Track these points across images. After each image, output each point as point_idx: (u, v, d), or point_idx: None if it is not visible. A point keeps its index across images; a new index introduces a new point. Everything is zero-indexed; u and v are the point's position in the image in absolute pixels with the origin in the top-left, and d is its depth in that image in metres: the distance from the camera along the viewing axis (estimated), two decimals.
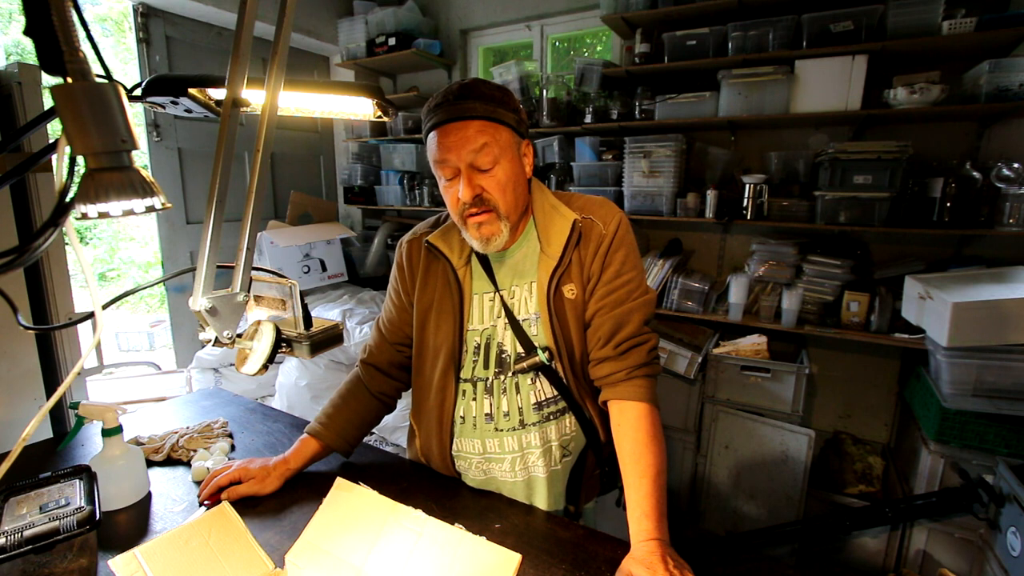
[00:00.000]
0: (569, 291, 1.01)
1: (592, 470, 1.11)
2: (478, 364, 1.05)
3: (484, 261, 1.05)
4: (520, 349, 1.02)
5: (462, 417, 1.07)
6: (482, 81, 0.96)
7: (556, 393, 1.04)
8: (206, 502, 1.01)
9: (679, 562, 0.82)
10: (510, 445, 1.04)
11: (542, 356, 0.99)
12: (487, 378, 1.04)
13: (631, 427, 0.95)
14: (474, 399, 1.05)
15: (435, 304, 1.07)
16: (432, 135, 0.95)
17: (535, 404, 1.03)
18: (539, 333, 1.02)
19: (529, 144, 1.01)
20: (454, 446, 1.09)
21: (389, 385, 1.18)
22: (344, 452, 1.15)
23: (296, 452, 1.10)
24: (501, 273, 1.05)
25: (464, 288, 1.04)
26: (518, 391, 1.03)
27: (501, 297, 1.03)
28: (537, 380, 1.03)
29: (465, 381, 1.06)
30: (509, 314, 1.02)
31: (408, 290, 1.12)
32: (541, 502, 1.07)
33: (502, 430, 1.04)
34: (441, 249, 1.05)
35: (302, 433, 1.13)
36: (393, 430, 2.59)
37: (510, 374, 1.03)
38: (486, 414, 1.04)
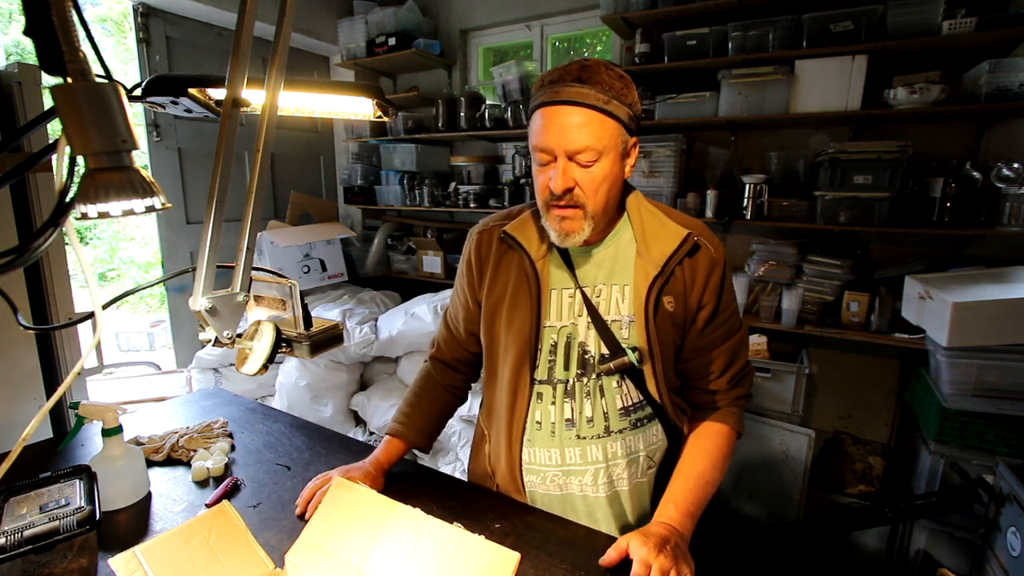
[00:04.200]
0: (668, 303, 0.95)
1: None
2: (556, 365, 0.98)
3: (565, 255, 0.99)
4: (605, 350, 0.96)
5: (538, 423, 1.00)
6: (606, 66, 0.88)
7: (643, 399, 0.98)
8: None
9: (682, 552, 0.82)
10: (594, 455, 0.97)
11: (631, 356, 0.93)
12: (568, 380, 0.97)
13: (706, 439, 0.98)
14: (553, 403, 0.98)
15: (508, 298, 1.00)
16: (537, 114, 0.89)
17: (621, 409, 0.97)
18: (631, 336, 0.96)
19: (637, 143, 0.95)
20: (525, 457, 1.02)
21: (458, 378, 1.18)
22: (425, 448, 1.14)
23: (386, 454, 1.09)
24: (583, 269, 0.99)
25: (542, 281, 0.97)
26: (603, 394, 0.97)
27: (583, 294, 0.97)
28: (623, 384, 0.97)
29: (542, 383, 0.99)
30: (593, 312, 0.96)
31: (475, 285, 1.06)
32: (625, 520, 1.02)
33: (585, 437, 0.97)
34: (519, 239, 0.99)
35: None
36: None
37: (594, 376, 0.97)
38: (566, 419, 0.98)
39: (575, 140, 0.85)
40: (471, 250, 1.07)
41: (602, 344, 0.96)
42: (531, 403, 1.00)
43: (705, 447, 0.98)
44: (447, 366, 1.17)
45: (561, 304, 0.99)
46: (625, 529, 1.02)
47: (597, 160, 0.88)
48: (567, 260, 0.99)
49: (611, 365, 0.94)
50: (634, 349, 0.94)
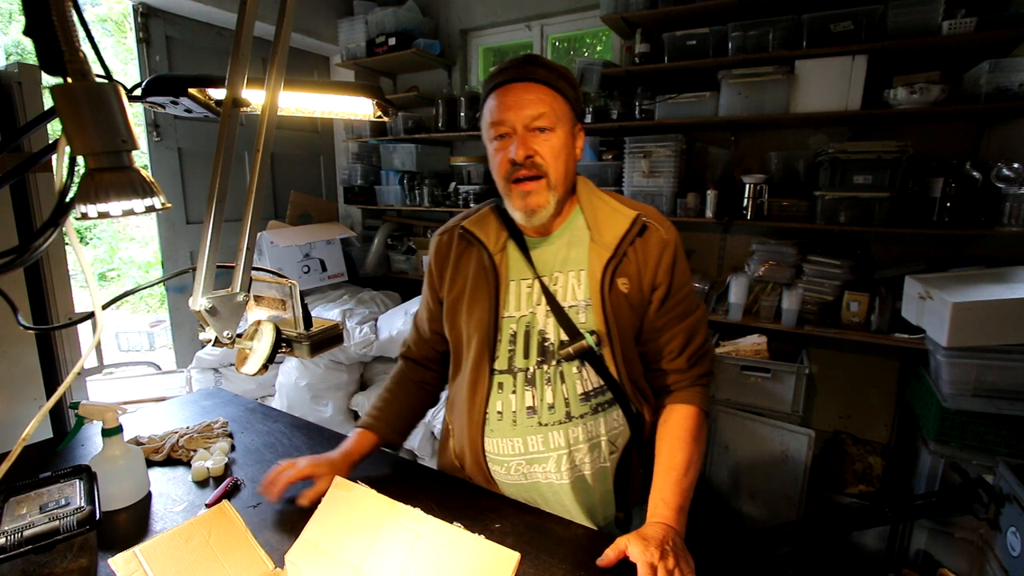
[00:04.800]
0: (623, 284, 0.98)
1: (636, 469, 1.06)
2: (516, 353, 1.00)
3: (522, 247, 1.02)
4: (564, 336, 0.97)
5: (499, 412, 1.01)
6: (545, 58, 0.98)
7: (603, 383, 0.99)
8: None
9: (681, 549, 0.83)
10: (556, 441, 0.98)
11: (589, 340, 0.95)
12: (528, 368, 0.99)
13: (675, 425, 0.98)
14: (514, 392, 1.00)
15: (468, 292, 1.03)
16: (492, 96, 0.95)
17: (582, 395, 0.98)
18: (587, 320, 0.98)
19: (581, 128, 1.00)
20: (488, 446, 1.03)
21: (430, 375, 1.20)
22: (396, 444, 1.15)
23: (357, 445, 1.09)
24: (540, 259, 1.01)
25: (500, 273, 1.00)
26: (563, 380, 0.98)
27: (542, 283, 0.99)
28: (583, 369, 0.99)
29: (502, 372, 1.01)
30: (551, 300, 0.98)
31: (435, 285, 1.10)
32: (589, 506, 1.03)
33: (547, 424, 0.98)
34: (476, 234, 1.02)
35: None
36: None
37: (554, 362, 0.98)
38: (528, 407, 0.99)
39: (531, 109, 0.91)
40: (432, 251, 1.11)
41: (561, 331, 0.98)
42: (491, 393, 1.01)
43: (678, 434, 0.98)
44: (417, 364, 1.20)
45: (520, 294, 1.01)
46: (593, 515, 1.04)
47: (554, 130, 0.93)
48: (525, 251, 1.01)
49: (570, 350, 0.95)
50: (592, 333, 0.96)
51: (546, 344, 0.99)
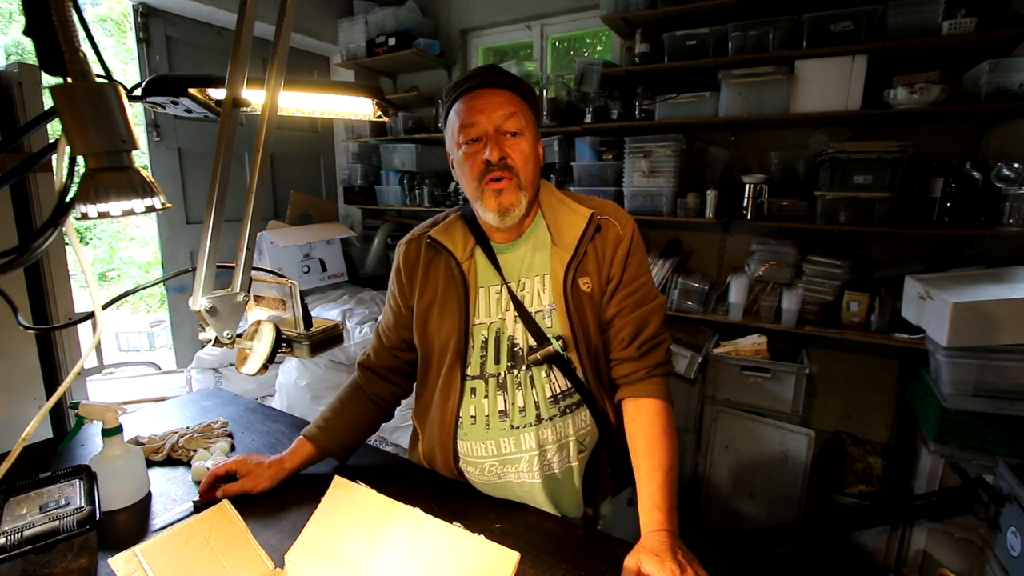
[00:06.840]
0: (584, 284, 1.00)
1: (605, 467, 1.09)
2: (487, 359, 1.02)
3: (489, 254, 1.03)
4: (532, 341, 0.99)
5: (472, 417, 1.03)
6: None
7: (571, 385, 1.02)
8: (194, 500, 1.01)
9: (688, 554, 0.83)
10: (527, 443, 1.01)
11: (556, 345, 0.97)
12: (499, 373, 1.01)
13: (646, 422, 0.97)
14: (486, 396, 1.02)
15: (438, 300, 1.04)
16: (459, 103, 0.96)
17: (551, 397, 1.01)
18: (553, 324, 1.00)
19: (540, 139, 1.03)
20: (461, 449, 1.05)
21: (386, 389, 1.16)
22: (339, 457, 1.13)
23: (292, 453, 1.09)
24: (507, 265, 1.03)
25: (469, 281, 1.02)
26: (533, 384, 1.00)
27: (509, 289, 1.01)
28: (551, 373, 1.01)
29: (474, 378, 1.02)
30: (519, 306, 1.00)
31: (405, 293, 1.09)
32: (558, 502, 1.05)
33: (518, 427, 1.01)
34: (444, 243, 1.03)
35: (300, 432, 1.13)
36: (393, 430, 2.59)
37: (524, 367, 1.00)
38: (500, 411, 1.01)
39: (502, 115, 0.94)
40: (400, 260, 1.10)
41: (529, 336, 1.00)
42: (463, 399, 1.03)
43: (654, 432, 0.96)
44: (375, 374, 1.16)
45: (489, 301, 1.03)
46: (563, 511, 1.06)
47: (523, 134, 0.96)
48: (492, 258, 1.03)
49: (538, 355, 0.98)
50: (559, 338, 0.98)
51: (515, 349, 1.01)
